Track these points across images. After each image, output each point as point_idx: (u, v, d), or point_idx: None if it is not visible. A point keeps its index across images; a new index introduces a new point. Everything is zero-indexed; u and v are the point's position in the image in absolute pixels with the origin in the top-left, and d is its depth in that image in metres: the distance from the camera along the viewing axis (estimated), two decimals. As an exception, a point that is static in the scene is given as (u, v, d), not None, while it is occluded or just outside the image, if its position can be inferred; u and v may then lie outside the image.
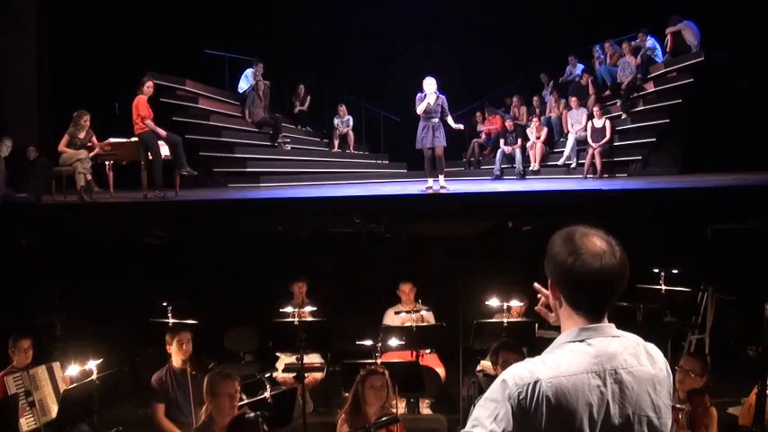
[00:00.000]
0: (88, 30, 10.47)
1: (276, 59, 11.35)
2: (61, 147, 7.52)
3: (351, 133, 12.21)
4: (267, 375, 5.87)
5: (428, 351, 6.50)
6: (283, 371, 6.45)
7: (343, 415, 4.28)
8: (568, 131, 10.67)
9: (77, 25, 10.54)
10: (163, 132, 7.61)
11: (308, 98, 12.28)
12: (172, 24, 10.98)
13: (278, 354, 6.64)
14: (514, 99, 12.08)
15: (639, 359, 1.68)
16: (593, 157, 9.74)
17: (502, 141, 11.19)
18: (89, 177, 7.35)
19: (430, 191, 7.89)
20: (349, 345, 6.01)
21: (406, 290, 6.80)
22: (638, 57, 10.36)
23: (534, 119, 11.20)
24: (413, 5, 12.46)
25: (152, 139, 7.50)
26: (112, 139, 7.87)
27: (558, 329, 1.78)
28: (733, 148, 8.57)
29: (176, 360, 4.93)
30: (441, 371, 6.41)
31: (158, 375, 4.90)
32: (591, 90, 10.82)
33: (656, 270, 6.28)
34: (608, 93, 10.85)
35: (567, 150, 10.39)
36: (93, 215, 7.13)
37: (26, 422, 4.84)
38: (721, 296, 6.91)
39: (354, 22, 12.36)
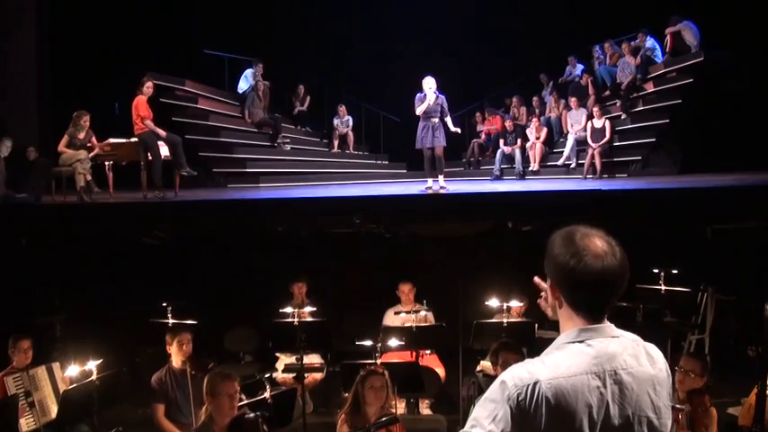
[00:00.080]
0: (88, 30, 10.47)
1: (276, 59, 11.36)
2: (61, 147, 7.52)
3: (350, 133, 12.21)
4: (267, 376, 5.87)
5: (428, 352, 6.50)
6: (283, 371, 6.45)
7: (342, 415, 4.28)
8: (568, 132, 10.67)
9: (77, 25, 10.55)
10: (162, 133, 7.61)
11: (308, 98, 12.28)
12: (171, 24, 10.99)
13: (278, 354, 6.64)
14: (514, 99, 12.07)
15: (639, 360, 1.68)
16: (592, 157, 9.74)
17: (501, 142, 11.18)
18: (89, 178, 7.35)
19: (430, 191, 7.89)
20: (349, 345, 6.01)
21: (405, 290, 6.80)
22: (638, 57, 10.36)
23: (534, 119, 11.20)
24: (413, 5, 12.45)
25: (152, 140, 7.50)
26: (112, 140, 7.87)
27: (557, 329, 1.78)
28: (733, 148, 8.57)
29: (176, 360, 4.93)
30: (440, 371, 6.40)
31: (158, 376, 4.90)
32: (591, 90, 10.82)
33: (656, 270, 6.28)
34: (608, 93, 10.85)
35: (566, 151, 10.40)
36: (93, 215, 7.13)
37: (26, 422, 4.83)
38: (721, 296, 6.90)
39: (354, 22, 12.37)
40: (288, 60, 11.81)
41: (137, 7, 10.78)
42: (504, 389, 1.62)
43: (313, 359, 6.53)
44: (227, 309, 7.16)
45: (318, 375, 6.48)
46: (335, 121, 12.17)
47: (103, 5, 10.62)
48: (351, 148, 12.28)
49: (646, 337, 1.76)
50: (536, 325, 5.89)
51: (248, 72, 11.09)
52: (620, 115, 10.32)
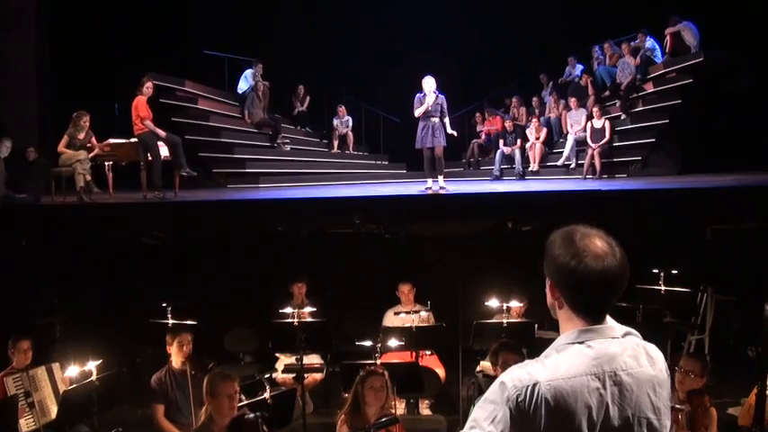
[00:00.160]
0: (88, 30, 10.47)
1: (276, 60, 11.36)
2: (61, 147, 7.52)
3: (350, 134, 12.21)
4: (267, 376, 5.88)
5: (428, 353, 6.50)
6: (283, 371, 6.45)
7: (342, 416, 4.28)
8: (568, 132, 10.67)
9: (77, 25, 10.55)
10: (162, 133, 7.61)
11: (308, 99, 12.28)
12: (171, 25, 10.99)
13: (277, 354, 6.64)
14: (514, 100, 12.08)
15: (639, 360, 1.68)
16: (592, 157, 9.74)
17: (501, 142, 11.19)
18: (88, 178, 7.34)
19: (429, 191, 7.89)
20: (348, 345, 6.01)
21: (405, 290, 6.80)
22: (638, 57, 10.36)
23: (534, 119, 11.20)
24: (413, 6, 12.45)
25: (151, 140, 7.50)
26: (112, 140, 7.87)
27: (557, 329, 1.77)
28: (732, 148, 8.57)
29: (176, 361, 4.93)
30: (440, 372, 6.40)
31: (158, 376, 4.90)
32: (590, 91, 10.82)
33: (656, 270, 6.29)
34: (607, 93, 10.86)
35: (566, 151, 10.40)
36: (93, 216, 7.12)
37: (26, 423, 4.83)
38: (721, 296, 6.91)
39: (354, 22, 12.37)
40: (288, 60, 11.81)
41: (136, 7, 10.78)
42: (503, 390, 1.61)
43: (313, 359, 6.53)
44: (227, 309, 7.17)
45: (318, 376, 6.48)
46: (335, 122, 12.17)
47: (103, 5, 10.62)
48: (350, 149, 12.28)
49: (646, 338, 1.75)
50: (536, 325, 5.88)
51: (248, 72, 11.09)
52: (620, 115, 10.32)
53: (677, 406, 3.85)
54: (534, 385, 1.59)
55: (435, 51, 11.68)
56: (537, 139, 10.88)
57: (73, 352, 5.16)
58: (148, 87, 7.58)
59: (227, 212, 7.28)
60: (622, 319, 1.74)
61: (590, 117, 10.28)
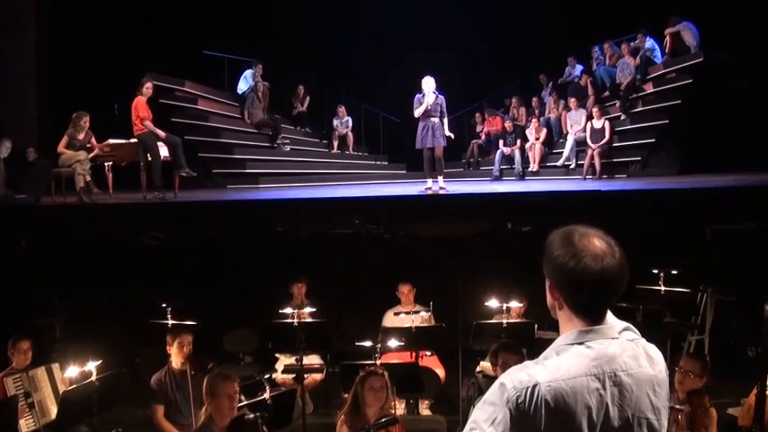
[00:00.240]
0: (88, 30, 10.47)
1: (275, 60, 11.35)
2: (60, 148, 7.52)
3: (350, 134, 12.21)
4: (267, 376, 5.87)
5: (428, 354, 6.50)
6: (283, 372, 6.44)
7: (342, 416, 4.28)
8: (567, 132, 10.67)
9: (77, 25, 10.55)
10: (162, 133, 7.61)
11: (308, 99, 12.28)
12: (171, 25, 10.99)
13: (277, 355, 6.64)
14: (513, 100, 12.08)
15: (639, 361, 1.68)
16: (592, 157, 9.73)
17: (501, 142, 11.19)
18: (88, 178, 7.34)
19: (429, 192, 7.89)
20: (348, 346, 6.01)
21: (405, 291, 6.80)
22: (638, 57, 10.36)
23: (533, 120, 11.20)
24: (413, 6, 12.46)
25: (151, 141, 7.50)
26: (112, 141, 7.87)
27: (557, 330, 1.77)
28: (732, 148, 8.57)
29: (176, 361, 4.92)
30: (440, 372, 6.40)
31: (158, 376, 4.90)
32: (590, 91, 10.82)
33: (656, 270, 6.29)
34: (607, 93, 10.85)
35: (566, 151, 10.40)
36: (93, 216, 7.13)
37: (26, 423, 4.83)
38: (721, 296, 6.91)
39: (354, 22, 12.37)
40: (288, 60, 11.80)
41: (136, 8, 10.78)
42: (503, 391, 1.61)
43: (313, 360, 6.53)
44: (227, 309, 7.16)
45: (318, 376, 6.48)
46: (335, 122, 12.17)
47: (103, 6, 10.62)
48: (350, 149, 12.28)
49: (646, 338, 1.75)
50: (536, 325, 5.88)
51: (248, 73, 11.09)
52: (620, 116, 10.32)
53: (677, 406, 3.84)
54: (534, 386, 1.59)
55: (435, 51, 11.68)
56: (537, 139, 10.88)
57: (73, 352, 5.17)
58: (148, 88, 7.58)
59: (227, 213, 7.28)
60: (622, 319, 1.74)
61: (590, 117, 10.28)
